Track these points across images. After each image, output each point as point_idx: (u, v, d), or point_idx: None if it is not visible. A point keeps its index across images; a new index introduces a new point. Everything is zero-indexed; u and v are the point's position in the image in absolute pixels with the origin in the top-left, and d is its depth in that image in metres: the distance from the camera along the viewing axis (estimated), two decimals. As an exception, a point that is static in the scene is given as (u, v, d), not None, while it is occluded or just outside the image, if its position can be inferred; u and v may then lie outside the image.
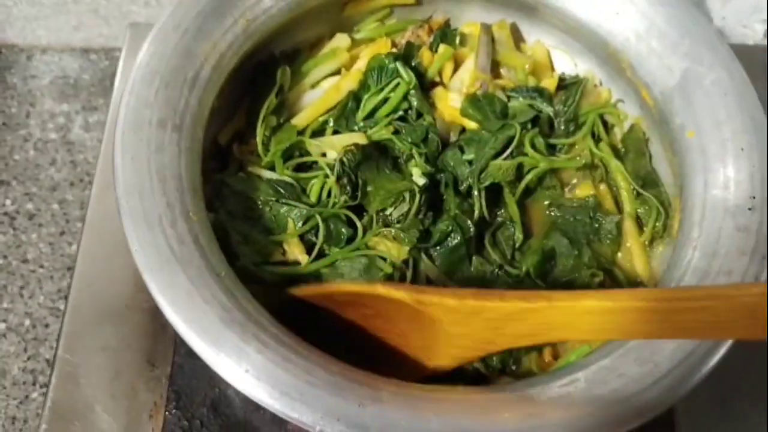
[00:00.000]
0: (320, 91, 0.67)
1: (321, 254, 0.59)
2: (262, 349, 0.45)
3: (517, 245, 0.62)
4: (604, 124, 0.69)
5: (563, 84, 0.69)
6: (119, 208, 0.49)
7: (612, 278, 0.61)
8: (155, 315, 0.66)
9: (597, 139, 0.67)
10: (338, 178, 0.60)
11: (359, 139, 0.63)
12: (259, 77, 0.65)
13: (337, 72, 0.68)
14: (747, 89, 0.58)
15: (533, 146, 0.64)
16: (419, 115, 0.65)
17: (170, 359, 0.65)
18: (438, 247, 0.60)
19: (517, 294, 0.46)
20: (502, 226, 0.63)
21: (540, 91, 0.67)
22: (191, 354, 0.46)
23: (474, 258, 0.60)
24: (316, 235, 0.59)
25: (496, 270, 0.60)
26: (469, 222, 0.60)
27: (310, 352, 0.46)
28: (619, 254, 0.63)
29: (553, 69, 0.72)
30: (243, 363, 0.45)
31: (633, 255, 0.62)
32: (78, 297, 0.67)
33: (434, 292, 0.49)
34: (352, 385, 0.45)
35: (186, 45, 0.56)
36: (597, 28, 0.65)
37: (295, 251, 0.58)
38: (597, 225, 0.63)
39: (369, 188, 0.61)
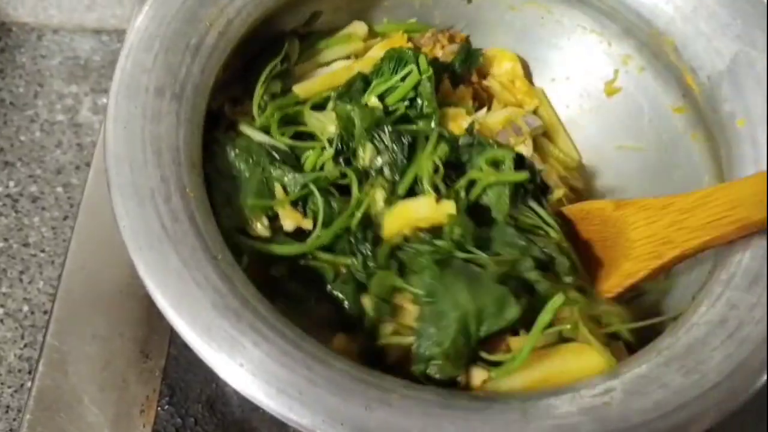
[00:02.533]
0: (330, 69, 0.63)
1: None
2: (258, 340, 0.40)
3: None
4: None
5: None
6: (108, 180, 0.44)
7: None
8: (151, 302, 0.61)
9: None
10: (336, 154, 0.56)
11: None
12: (265, 52, 0.61)
13: (348, 58, 0.65)
14: (805, 76, 0.53)
15: None
16: (422, 114, 0.61)
17: (165, 350, 0.61)
18: None
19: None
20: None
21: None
22: (188, 346, 0.42)
23: None
24: (305, 206, 0.55)
25: None
26: None
27: (312, 347, 0.41)
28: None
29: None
30: (237, 356, 0.40)
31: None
32: (70, 281, 0.63)
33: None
34: (359, 385, 0.40)
35: (190, 9, 0.51)
36: (639, 7, 0.59)
37: (289, 218, 0.54)
38: None
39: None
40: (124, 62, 0.48)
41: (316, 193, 0.55)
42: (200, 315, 0.41)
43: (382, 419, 0.39)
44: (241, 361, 0.40)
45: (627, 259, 0.53)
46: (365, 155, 0.56)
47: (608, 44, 0.66)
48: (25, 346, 1.13)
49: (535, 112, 0.69)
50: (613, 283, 0.54)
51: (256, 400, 0.39)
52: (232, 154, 0.54)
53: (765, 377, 0.42)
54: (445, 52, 0.67)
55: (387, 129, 0.57)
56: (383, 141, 0.56)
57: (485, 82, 0.69)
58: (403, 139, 0.57)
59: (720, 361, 0.42)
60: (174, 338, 0.61)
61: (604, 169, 0.69)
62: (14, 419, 1.03)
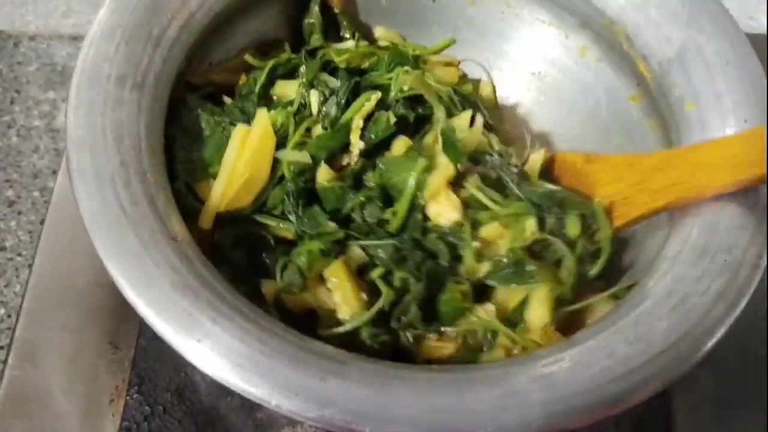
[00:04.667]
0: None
1: None
2: (216, 317, 0.41)
3: None
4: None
5: None
6: (69, 166, 0.45)
7: None
8: (120, 293, 0.62)
9: None
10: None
11: None
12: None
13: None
14: (750, 60, 0.54)
15: None
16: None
17: (134, 341, 0.61)
18: None
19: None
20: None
21: None
22: (157, 336, 0.43)
23: None
24: None
25: None
26: None
27: (269, 323, 0.43)
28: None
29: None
30: (195, 332, 0.41)
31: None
32: (39, 273, 0.64)
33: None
34: (314, 358, 0.41)
35: (152, 0, 0.53)
36: (592, -3, 0.61)
37: None
38: None
39: None
40: (87, 51, 0.49)
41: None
42: (159, 294, 0.42)
43: (338, 390, 0.40)
44: (199, 337, 0.41)
45: None
46: (312, 100, 0.59)
47: (566, 36, 0.67)
48: (1, 348, 1.12)
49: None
50: None
51: (212, 374, 0.40)
52: (198, 112, 0.57)
53: (710, 344, 0.44)
54: None
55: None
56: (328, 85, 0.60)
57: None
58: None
59: (665, 330, 0.43)
60: (143, 329, 0.61)
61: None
62: (-9, 422, 1.02)
